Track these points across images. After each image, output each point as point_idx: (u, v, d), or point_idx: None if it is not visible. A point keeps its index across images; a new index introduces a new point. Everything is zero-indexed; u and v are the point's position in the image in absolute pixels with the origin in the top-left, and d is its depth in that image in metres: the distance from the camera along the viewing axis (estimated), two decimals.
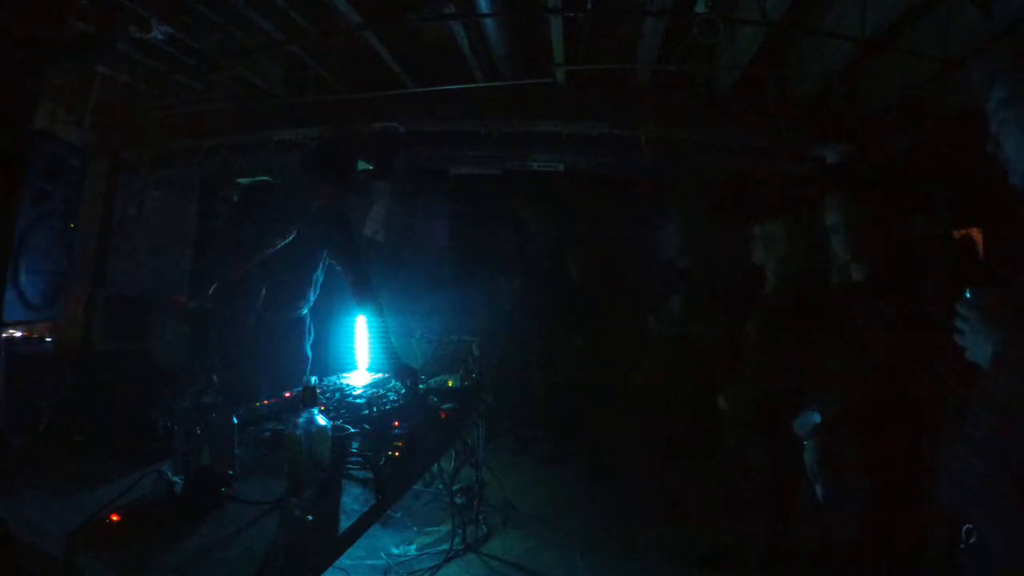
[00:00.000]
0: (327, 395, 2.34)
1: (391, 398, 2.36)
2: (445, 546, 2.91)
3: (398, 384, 2.61)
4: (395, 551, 2.85)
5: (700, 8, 2.89)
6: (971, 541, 1.08)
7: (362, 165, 5.24)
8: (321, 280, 2.75)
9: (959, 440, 1.14)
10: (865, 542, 1.78)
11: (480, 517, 3.14)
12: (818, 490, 1.91)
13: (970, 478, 1.08)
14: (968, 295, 1.11)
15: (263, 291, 2.55)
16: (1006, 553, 1.00)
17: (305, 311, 2.75)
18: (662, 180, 5.51)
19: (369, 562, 2.72)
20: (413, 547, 2.92)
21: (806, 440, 1.91)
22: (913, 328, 1.71)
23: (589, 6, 3.04)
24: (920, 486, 1.70)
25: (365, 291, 2.70)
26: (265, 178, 5.12)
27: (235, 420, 1.54)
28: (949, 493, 1.14)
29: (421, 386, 2.66)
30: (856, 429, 1.79)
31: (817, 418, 1.86)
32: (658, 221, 4.46)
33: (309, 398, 1.47)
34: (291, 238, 2.48)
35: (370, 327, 2.86)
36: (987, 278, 1.18)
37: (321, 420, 1.46)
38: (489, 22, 3.41)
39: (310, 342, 2.79)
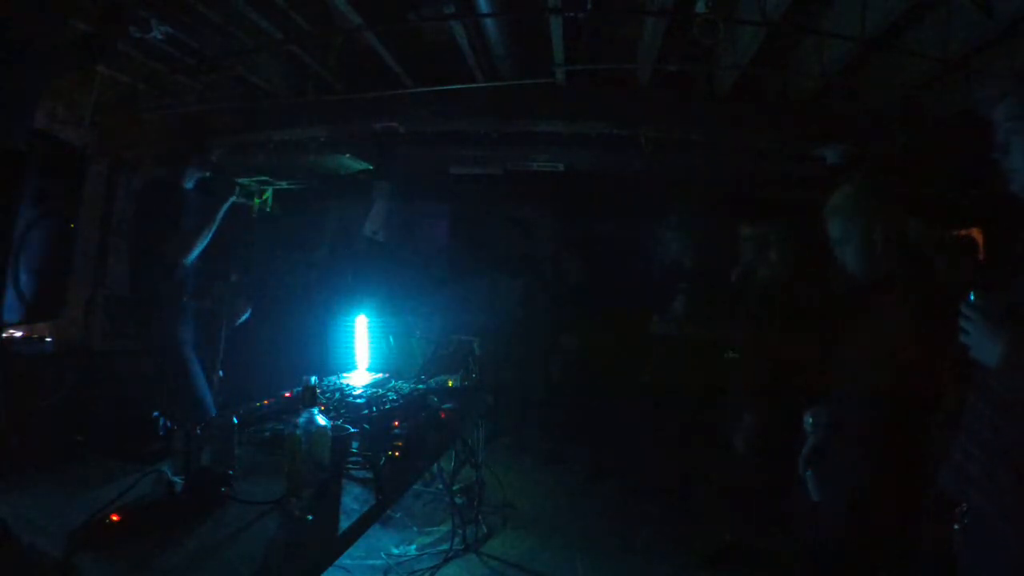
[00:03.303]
0: (327, 395, 2.34)
1: (391, 398, 2.36)
2: (445, 546, 2.91)
3: (398, 384, 2.62)
4: (395, 551, 2.85)
5: (700, 8, 2.88)
6: (965, 521, 1.18)
7: (362, 165, 5.24)
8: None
9: (960, 430, 1.22)
10: (853, 542, 1.78)
11: (480, 517, 3.14)
12: (809, 488, 1.92)
13: (971, 465, 1.17)
14: (972, 297, 1.16)
15: None
16: (1006, 533, 1.09)
17: None
18: (662, 180, 5.51)
19: (369, 562, 2.71)
20: (413, 547, 2.92)
21: (809, 434, 1.92)
22: (920, 329, 1.69)
23: (589, 6, 3.03)
24: (916, 489, 1.70)
25: None
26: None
27: (235, 420, 1.55)
28: (949, 477, 1.23)
29: (420, 386, 2.66)
30: (851, 430, 1.79)
31: (809, 419, 1.88)
32: (659, 221, 4.46)
33: (309, 398, 1.47)
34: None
35: None
36: (987, 279, 1.22)
37: (321, 420, 1.46)
38: (489, 22, 3.41)
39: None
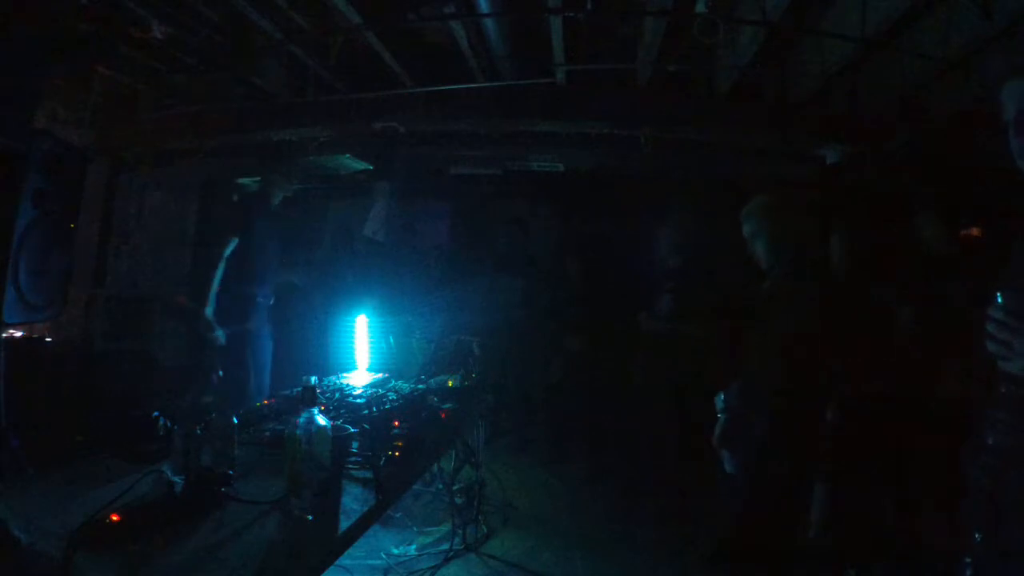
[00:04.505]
0: (327, 395, 2.34)
1: (391, 398, 2.36)
2: (445, 546, 2.91)
3: (398, 384, 2.62)
4: (395, 551, 2.85)
5: (700, 8, 2.88)
6: (981, 551, 1.05)
7: (362, 165, 5.24)
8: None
9: (985, 451, 1.10)
10: (755, 506, 2.10)
11: (480, 517, 3.14)
12: (724, 461, 2.22)
13: (1002, 488, 1.05)
14: (1000, 299, 1.04)
15: None
16: None
17: None
18: (662, 180, 5.51)
19: (369, 562, 2.71)
20: (413, 547, 2.92)
21: (719, 415, 2.20)
22: (810, 325, 1.94)
23: (589, 6, 3.03)
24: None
25: None
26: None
27: (235, 420, 1.54)
28: (971, 502, 1.11)
29: (420, 386, 2.66)
30: (758, 412, 2.04)
31: (721, 399, 2.17)
32: (659, 221, 4.45)
33: (309, 398, 1.47)
34: None
35: None
36: (993, 277, 1.14)
37: (321, 420, 1.46)
38: (489, 22, 3.41)
39: None
